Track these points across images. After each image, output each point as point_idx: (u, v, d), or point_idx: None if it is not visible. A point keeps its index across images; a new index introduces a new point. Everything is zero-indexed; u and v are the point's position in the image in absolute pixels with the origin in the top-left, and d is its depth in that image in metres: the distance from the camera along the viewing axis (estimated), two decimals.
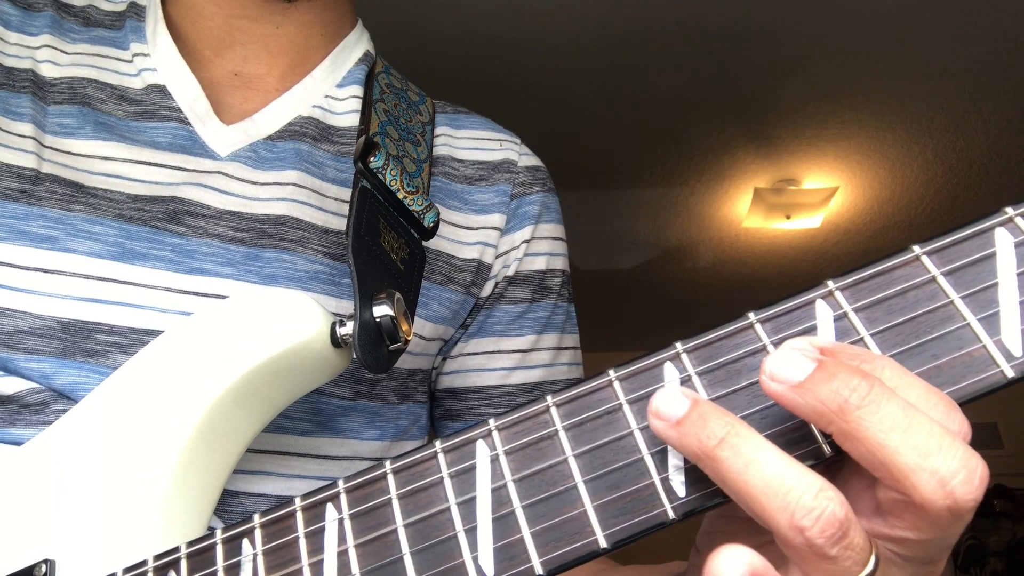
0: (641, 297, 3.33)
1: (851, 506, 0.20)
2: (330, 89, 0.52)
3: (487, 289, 0.53)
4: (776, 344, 0.23)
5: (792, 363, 0.21)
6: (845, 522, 0.19)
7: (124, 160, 0.45)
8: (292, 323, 0.35)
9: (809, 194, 2.59)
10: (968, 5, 1.79)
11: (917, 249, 0.22)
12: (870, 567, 0.20)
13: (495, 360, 0.53)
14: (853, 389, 0.20)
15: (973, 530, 3.12)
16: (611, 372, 0.24)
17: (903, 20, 1.85)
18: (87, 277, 0.41)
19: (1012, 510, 3.12)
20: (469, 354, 0.53)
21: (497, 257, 0.53)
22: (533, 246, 0.55)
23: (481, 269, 0.52)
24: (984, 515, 3.13)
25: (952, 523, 0.20)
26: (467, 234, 0.52)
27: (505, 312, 0.53)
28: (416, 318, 0.48)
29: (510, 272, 0.53)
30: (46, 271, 0.41)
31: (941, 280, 0.22)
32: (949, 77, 2.05)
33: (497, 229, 0.53)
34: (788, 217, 2.67)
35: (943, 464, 0.19)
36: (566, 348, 0.56)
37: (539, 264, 0.55)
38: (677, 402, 0.22)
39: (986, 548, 3.08)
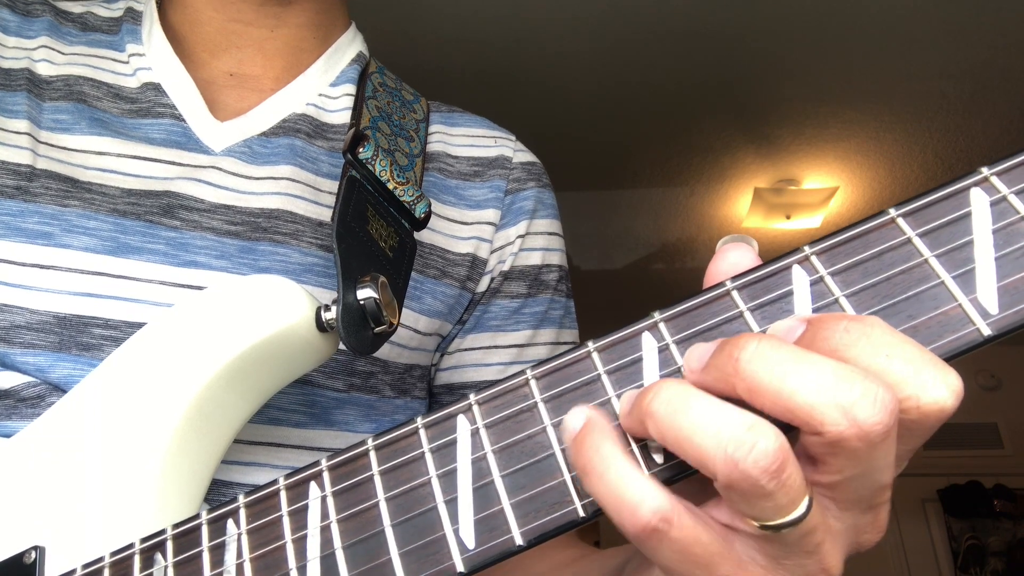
0: (641, 297, 3.32)
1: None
2: (324, 88, 0.53)
3: (483, 284, 0.53)
4: (753, 311, 0.23)
5: (695, 353, 0.23)
6: (780, 453, 0.20)
7: (118, 155, 0.46)
8: (277, 308, 0.35)
9: (809, 194, 2.58)
10: (968, 6, 1.79)
11: (893, 212, 0.22)
12: (803, 507, 0.20)
13: (492, 355, 0.53)
14: (741, 348, 0.21)
15: (973, 530, 3.09)
16: (590, 344, 0.25)
17: (904, 21, 1.85)
18: (82, 272, 0.41)
19: (1012, 510, 3.09)
20: (466, 349, 0.53)
21: (492, 252, 0.53)
22: (528, 241, 0.55)
23: (476, 264, 0.53)
24: (984, 515, 3.09)
25: (869, 453, 0.20)
26: (461, 229, 0.53)
27: (501, 307, 0.53)
28: (410, 312, 0.49)
29: (505, 267, 0.54)
30: (42, 267, 0.41)
31: (916, 241, 0.22)
32: (949, 77, 2.05)
33: (492, 224, 0.53)
34: (788, 217, 2.67)
35: (841, 394, 0.20)
36: (564, 343, 0.56)
37: (534, 259, 0.55)
38: (632, 396, 0.23)
39: (986, 548, 3.05)
